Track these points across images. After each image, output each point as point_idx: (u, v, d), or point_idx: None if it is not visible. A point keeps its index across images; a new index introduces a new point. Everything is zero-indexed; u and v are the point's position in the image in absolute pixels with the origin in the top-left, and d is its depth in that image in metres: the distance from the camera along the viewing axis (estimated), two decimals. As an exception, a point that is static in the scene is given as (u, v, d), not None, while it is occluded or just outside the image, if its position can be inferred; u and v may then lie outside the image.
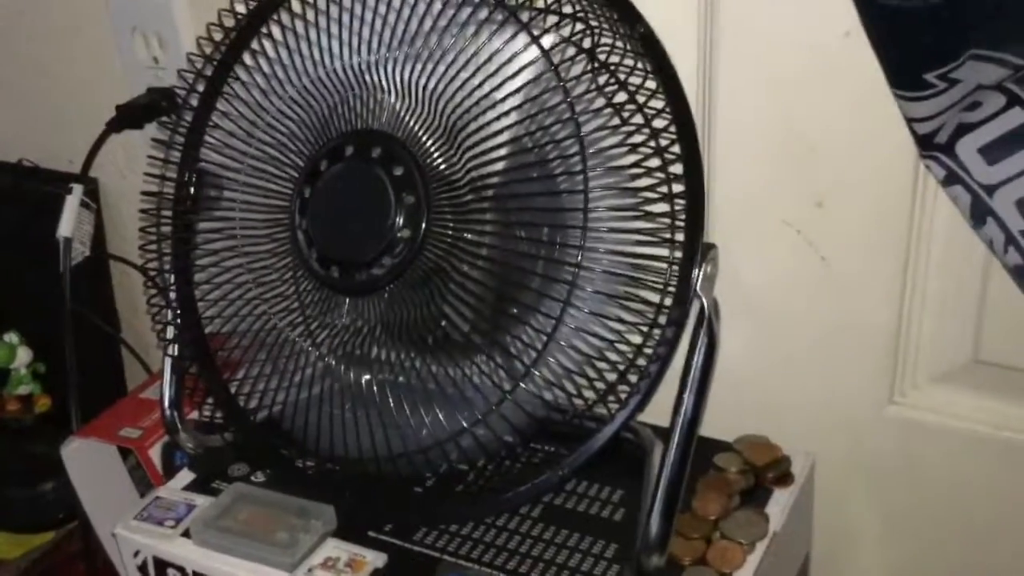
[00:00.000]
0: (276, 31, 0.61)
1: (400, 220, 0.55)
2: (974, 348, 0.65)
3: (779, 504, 0.63)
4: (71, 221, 0.84)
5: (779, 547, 0.61)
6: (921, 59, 0.53)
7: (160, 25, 0.85)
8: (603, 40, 0.55)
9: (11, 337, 1.01)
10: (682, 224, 0.55)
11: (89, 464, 0.80)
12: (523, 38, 0.53)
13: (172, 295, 0.65)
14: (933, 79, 0.53)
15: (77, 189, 0.85)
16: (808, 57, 0.61)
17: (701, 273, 0.54)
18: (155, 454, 0.77)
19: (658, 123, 0.55)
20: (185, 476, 0.69)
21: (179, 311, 0.65)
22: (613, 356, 0.56)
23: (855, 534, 0.73)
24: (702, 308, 0.55)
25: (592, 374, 0.56)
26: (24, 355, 1.01)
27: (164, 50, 0.85)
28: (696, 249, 0.54)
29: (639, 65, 0.56)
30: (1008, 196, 0.55)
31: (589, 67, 0.54)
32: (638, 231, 0.55)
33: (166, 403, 0.69)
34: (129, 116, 0.84)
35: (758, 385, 0.71)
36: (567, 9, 0.56)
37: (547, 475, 0.57)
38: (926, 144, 0.57)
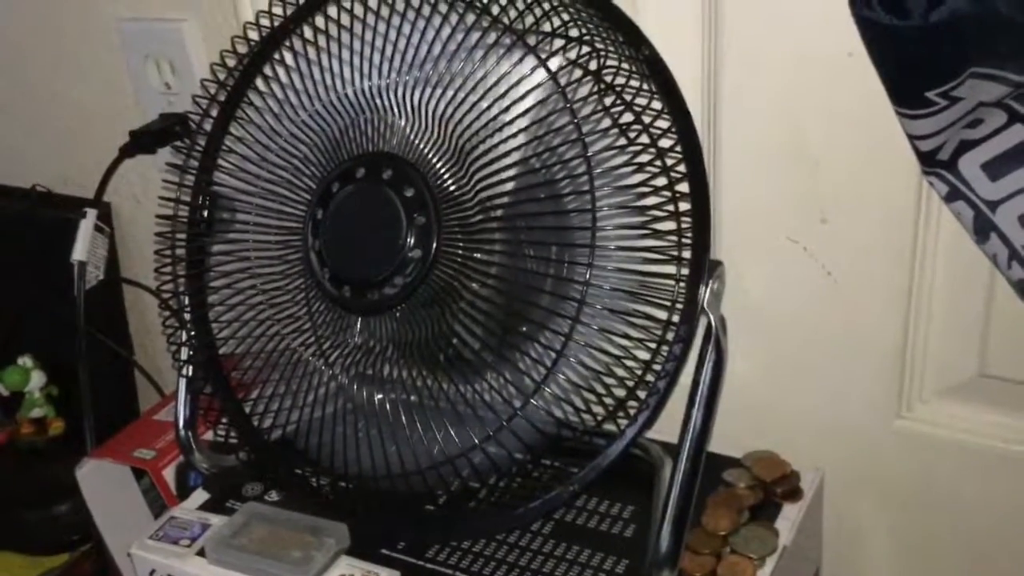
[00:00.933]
0: (288, 57, 0.62)
1: (411, 240, 0.56)
2: (980, 362, 0.65)
3: (789, 519, 0.63)
4: (85, 245, 0.85)
5: (789, 562, 0.61)
6: (922, 77, 0.53)
7: (172, 52, 0.86)
8: (609, 62, 0.56)
9: (25, 361, 1.02)
10: (689, 241, 0.56)
11: (103, 485, 0.80)
12: (530, 61, 0.54)
13: (186, 316, 0.66)
14: (934, 97, 0.54)
15: (91, 213, 0.86)
16: (812, 76, 0.62)
17: (708, 290, 0.55)
18: (169, 475, 0.77)
19: (664, 143, 0.56)
20: (199, 496, 0.70)
21: (193, 332, 0.66)
22: (622, 372, 0.57)
23: (864, 548, 0.73)
24: (709, 324, 0.55)
25: (601, 390, 0.57)
26: (38, 378, 1.02)
27: (176, 76, 0.87)
28: (702, 266, 0.54)
29: (644, 86, 0.57)
30: (1011, 212, 0.56)
31: (595, 88, 0.55)
32: (645, 249, 0.56)
33: (180, 423, 0.70)
34: (142, 141, 0.86)
35: (766, 401, 0.72)
36: (573, 32, 0.57)
37: (558, 491, 0.58)
38: (929, 161, 0.57)
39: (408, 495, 0.61)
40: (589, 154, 0.53)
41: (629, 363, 0.57)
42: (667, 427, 0.59)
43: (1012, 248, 0.56)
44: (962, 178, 0.57)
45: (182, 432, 0.70)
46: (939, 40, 0.52)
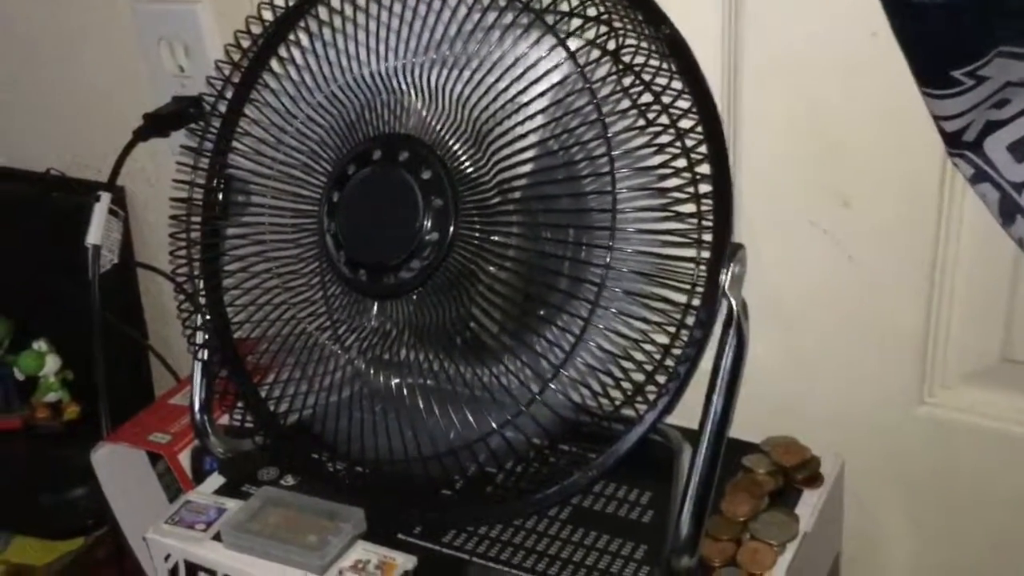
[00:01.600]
0: (303, 38, 0.61)
1: (428, 223, 0.55)
2: (1004, 347, 0.65)
3: (809, 505, 0.62)
4: (99, 229, 0.85)
5: (809, 548, 0.60)
6: (948, 57, 0.52)
7: (186, 34, 0.85)
8: (628, 42, 0.55)
9: (40, 345, 1.02)
10: (709, 224, 0.55)
11: (119, 469, 0.80)
12: (549, 41, 0.54)
13: (201, 300, 0.66)
14: (960, 76, 0.53)
15: (105, 197, 0.86)
16: (834, 57, 0.61)
17: (729, 273, 0.54)
18: (184, 459, 0.77)
19: (684, 124, 0.55)
20: (215, 480, 0.69)
21: (208, 316, 0.66)
22: (641, 357, 0.56)
23: (885, 535, 0.72)
24: (730, 308, 0.55)
25: (620, 375, 0.56)
26: (53, 363, 1.02)
27: (190, 59, 0.86)
28: (724, 249, 0.54)
29: (664, 66, 0.56)
30: (1037, 194, 0.55)
31: (614, 69, 0.54)
32: (665, 231, 0.55)
33: (196, 407, 0.70)
34: (156, 124, 0.85)
35: (786, 386, 0.71)
36: (591, 12, 0.56)
37: (576, 476, 0.58)
38: (954, 142, 0.56)
39: (425, 480, 0.60)
40: (609, 135, 0.53)
41: (648, 347, 0.56)
42: (685, 412, 0.58)
43: (1039, 231, 0.55)
44: (988, 160, 0.56)
45: (197, 416, 0.70)
46: (966, 19, 0.51)
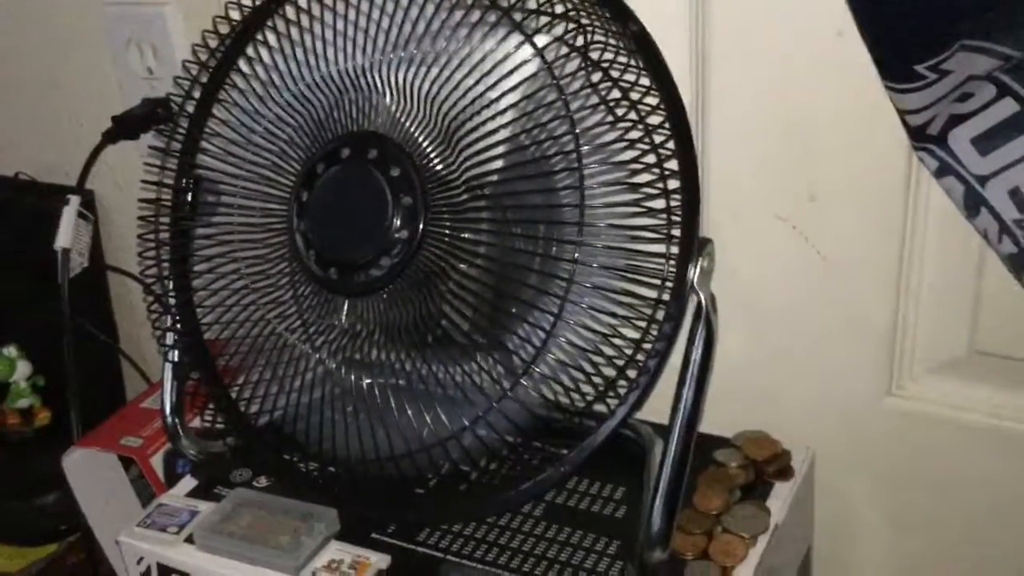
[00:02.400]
0: (271, 37, 0.61)
1: (398, 221, 0.55)
2: (971, 339, 0.65)
3: (780, 498, 0.63)
4: (69, 232, 0.84)
5: (781, 540, 0.61)
6: (911, 50, 0.53)
7: (154, 36, 0.85)
8: (596, 38, 0.55)
9: (10, 351, 1.01)
10: (679, 220, 0.55)
11: (90, 474, 0.80)
12: (516, 38, 0.54)
13: (171, 301, 0.65)
14: (924, 70, 0.53)
15: (74, 200, 0.85)
16: (800, 54, 0.62)
17: (698, 268, 0.54)
18: (157, 463, 0.76)
19: (653, 120, 0.55)
20: (188, 483, 0.69)
21: (178, 318, 0.65)
22: (611, 352, 0.56)
23: (856, 526, 0.73)
24: (699, 302, 0.55)
25: (591, 370, 0.56)
26: (24, 368, 1.01)
27: (158, 61, 0.86)
28: (692, 244, 0.54)
29: (632, 62, 0.56)
30: (1001, 186, 0.55)
31: (582, 65, 0.54)
32: (635, 227, 0.55)
33: (167, 410, 0.69)
34: (125, 127, 0.85)
35: (756, 380, 0.71)
36: (559, 9, 0.56)
37: (549, 472, 0.58)
38: (919, 136, 0.57)
39: (398, 479, 0.60)
40: (577, 131, 0.53)
41: (618, 342, 0.56)
42: (656, 408, 0.58)
43: (1002, 223, 0.56)
44: (952, 153, 0.56)
45: (169, 419, 0.69)
46: (928, 12, 0.52)
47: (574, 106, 0.54)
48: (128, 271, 0.97)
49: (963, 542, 0.70)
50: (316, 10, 0.59)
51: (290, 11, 0.60)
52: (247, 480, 0.68)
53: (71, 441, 0.82)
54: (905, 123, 0.57)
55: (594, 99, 0.55)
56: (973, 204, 0.57)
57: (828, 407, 0.70)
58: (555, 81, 0.53)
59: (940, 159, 0.57)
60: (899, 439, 0.69)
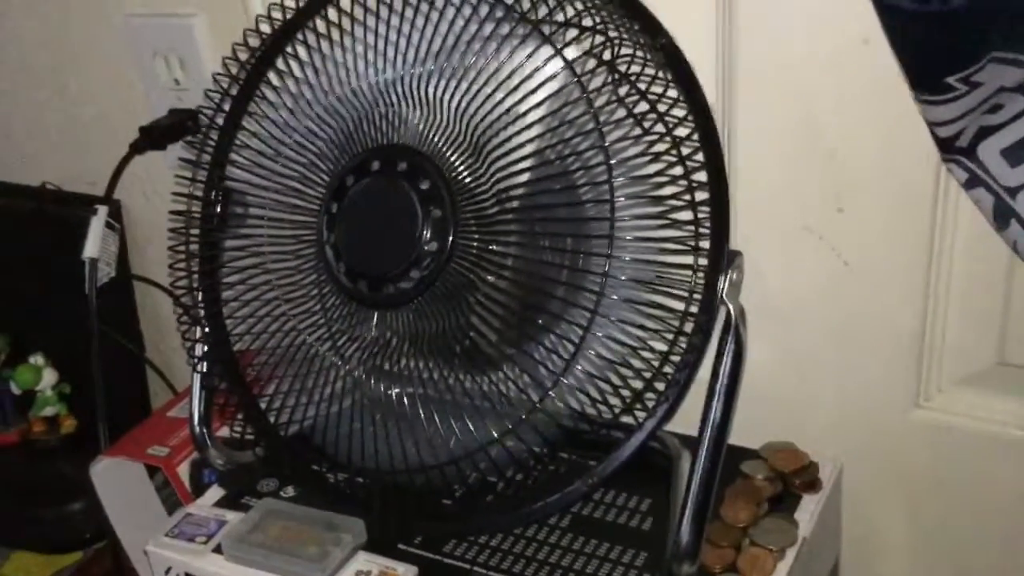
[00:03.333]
0: (301, 51, 0.62)
1: (427, 234, 0.55)
2: (999, 350, 0.65)
3: (808, 511, 0.63)
4: (96, 242, 0.85)
5: (809, 553, 0.61)
6: (942, 63, 0.53)
7: (181, 47, 0.86)
8: (623, 51, 0.55)
9: (36, 359, 1.02)
10: (706, 231, 0.55)
11: (117, 483, 0.80)
12: (546, 51, 0.54)
13: (200, 312, 0.66)
14: (954, 82, 0.53)
15: (102, 210, 0.86)
16: (827, 63, 0.61)
17: (727, 280, 0.54)
18: (183, 472, 0.77)
19: (680, 131, 0.55)
20: (215, 493, 0.69)
21: (207, 328, 0.66)
22: (639, 364, 0.56)
23: (883, 539, 0.73)
24: (728, 315, 0.55)
25: (619, 383, 0.56)
26: (50, 377, 1.02)
27: (185, 72, 0.86)
28: (722, 256, 0.54)
29: (660, 75, 0.56)
30: (1031, 198, 0.55)
31: (610, 78, 0.54)
32: (663, 239, 0.55)
33: (195, 420, 0.69)
34: (152, 138, 0.85)
35: (783, 391, 0.71)
36: (587, 22, 0.56)
37: (577, 484, 0.58)
38: (948, 147, 0.57)
39: (425, 490, 0.61)
40: (606, 144, 0.53)
41: (646, 354, 0.56)
42: (682, 419, 0.58)
43: (1033, 235, 0.55)
44: (982, 165, 0.56)
45: (197, 428, 0.70)
46: (959, 25, 0.51)
47: (602, 119, 0.54)
48: (154, 281, 0.98)
49: (991, 553, 0.69)
50: (346, 23, 0.59)
51: (320, 24, 0.61)
52: (274, 490, 0.69)
53: (97, 449, 0.83)
54: (934, 134, 0.57)
55: (622, 111, 0.55)
56: (1002, 216, 0.56)
57: (854, 418, 0.70)
58: (585, 94, 0.53)
59: (969, 170, 0.57)
60: (926, 451, 0.69)
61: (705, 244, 0.55)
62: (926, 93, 0.55)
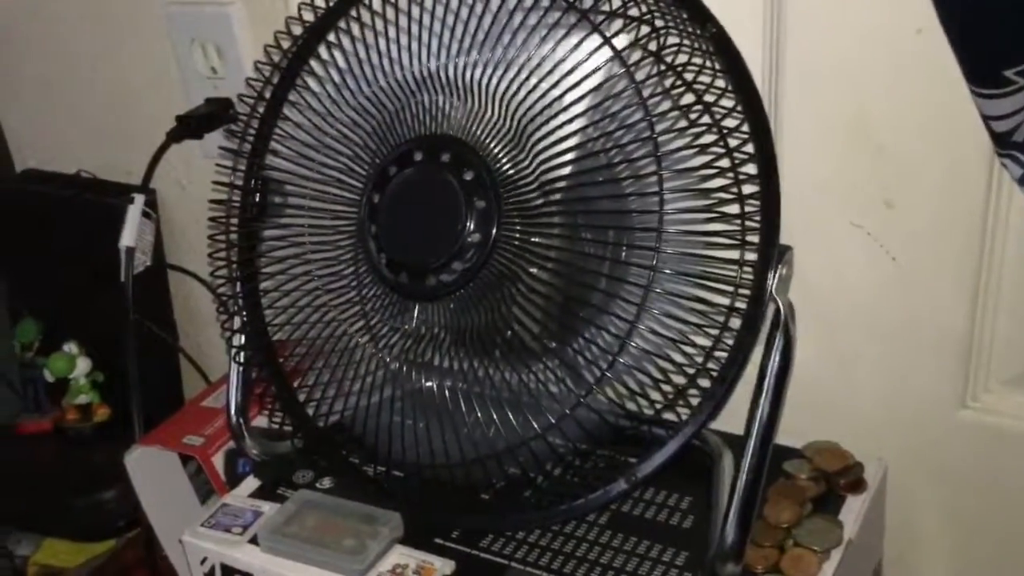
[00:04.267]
0: (343, 40, 0.61)
1: (471, 225, 0.55)
2: (1050, 350, 0.64)
3: (853, 511, 0.61)
4: (133, 231, 0.85)
5: (854, 555, 0.59)
6: (1001, 55, 0.52)
7: (218, 36, 0.85)
8: (670, 41, 0.54)
9: (70, 347, 1.02)
10: (753, 225, 0.54)
11: (152, 472, 0.80)
12: (593, 40, 0.53)
13: (240, 302, 0.65)
14: (1013, 76, 0.52)
15: (139, 199, 0.86)
16: (879, 54, 0.60)
17: (777, 275, 0.53)
18: (217, 461, 0.77)
19: (729, 123, 0.54)
20: (251, 483, 0.69)
21: (247, 318, 0.65)
22: (683, 360, 0.55)
23: (927, 540, 0.71)
24: (778, 311, 0.54)
25: (663, 379, 0.56)
26: (83, 365, 1.02)
27: (222, 61, 0.86)
28: (772, 250, 0.53)
29: (707, 64, 0.55)
30: (1088, 195, 0.54)
31: (655, 70, 0.54)
32: (709, 233, 0.54)
33: (232, 409, 0.69)
34: (189, 126, 0.85)
35: (826, 389, 0.70)
36: (634, 11, 0.55)
37: (620, 481, 0.57)
38: (1003, 142, 0.56)
39: (463, 484, 0.60)
40: (655, 135, 0.52)
41: (689, 350, 0.55)
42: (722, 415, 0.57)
43: (1090, 232, 0.54)
44: (1038, 160, 0.55)
45: (234, 418, 0.69)
46: (1019, 17, 0.50)
47: (652, 110, 0.53)
48: (189, 270, 0.97)
49: (1036, 559, 0.68)
50: (390, 14, 0.59)
51: (364, 14, 0.60)
52: (310, 481, 0.68)
53: (130, 437, 0.83)
54: (990, 128, 0.56)
55: (668, 103, 0.54)
56: (1059, 213, 0.55)
57: (899, 418, 0.69)
58: (634, 84, 0.52)
59: (1025, 166, 0.55)
60: (972, 451, 0.68)
61: (752, 238, 0.54)
62: (982, 86, 0.53)
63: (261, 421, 0.71)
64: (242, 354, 0.67)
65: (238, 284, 0.65)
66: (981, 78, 0.53)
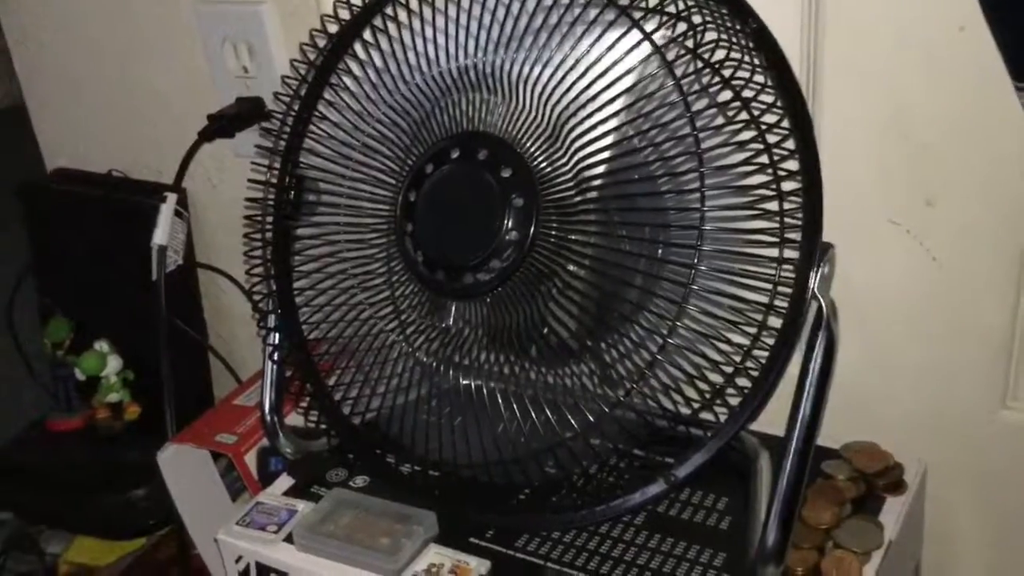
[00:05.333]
0: (379, 38, 0.61)
1: (509, 223, 0.54)
2: (1093, 350, 0.63)
3: (893, 513, 0.61)
4: (166, 230, 0.85)
5: (894, 557, 0.59)
6: (1047, 50, 0.51)
7: (250, 35, 0.85)
8: (708, 37, 0.54)
9: (101, 345, 1.02)
10: (793, 223, 0.53)
11: (184, 470, 0.80)
12: (633, 36, 0.52)
13: (275, 301, 0.65)
14: (1059, 71, 0.51)
15: (171, 198, 0.86)
16: (920, 51, 0.59)
17: (819, 274, 0.52)
18: (250, 460, 0.77)
19: (768, 119, 0.53)
20: (284, 482, 0.69)
21: (282, 316, 0.65)
22: (721, 359, 0.55)
23: (966, 542, 0.71)
24: (820, 310, 0.53)
25: (702, 378, 0.55)
26: (114, 363, 1.02)
27: (254, 60, 0.86)
28: (815, 248, 0.52)
29: (746, 59, 0.54)
30: None
31: (692, 67, 0.53)
32: (748, 231, 0.54)
33: (267, 408, 0.69)
34: (220, 125, 0.85)
35: (866, 389, 0.69)
36: (671, 8, 0.55)
37: (659, 482, 0.56)
38: (1048, 139, 0.55)
39: (499, 484, 0.60)
40: (697, 132, 0.51)
41: (727, 349, 0.55)
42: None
43: None
44: (1085, 157, 0.54)
45: (268, 417, 0.69)
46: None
47: (693, 107, 0.52)
48: (220, 269, 0.98)
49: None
50: (427, 13, 0.58)
51: (401, 13, 0.60)
52: (343, 480, 0.68)
53: (161, 436, 0.83)
54: (1034, 125, 0.55)
55: (706, 100, 0.54)
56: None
57: (938, 418, 0.68)
58: (676, 81, 0.51)
59: (1071, 163, 0.54)
60: (1012, 453, 0.67)
61: (792, 235, 0.54)
62: (1028, 82, 0.53)
63: (294, 420, 0.71)
64: (277, 352, 0.67)
65: (273, 282, 0.65)
66: (1027, 74, 0.53)
